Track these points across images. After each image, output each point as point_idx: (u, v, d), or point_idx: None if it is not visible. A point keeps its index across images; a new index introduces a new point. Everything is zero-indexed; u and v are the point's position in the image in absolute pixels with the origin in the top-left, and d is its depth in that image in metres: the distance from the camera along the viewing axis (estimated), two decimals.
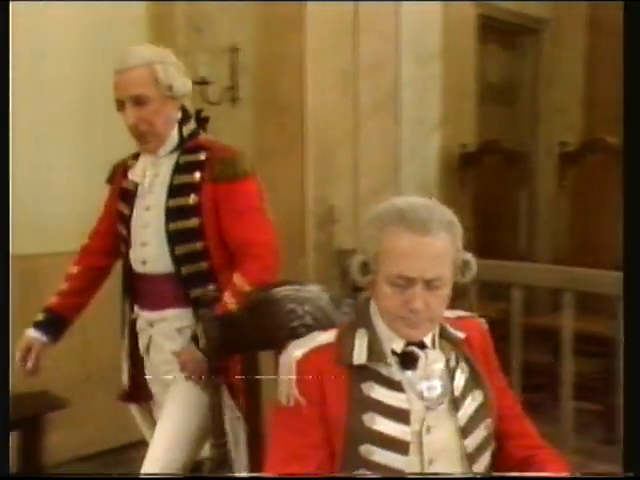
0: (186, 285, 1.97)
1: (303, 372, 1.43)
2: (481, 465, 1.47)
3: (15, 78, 2.20)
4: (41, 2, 3.06)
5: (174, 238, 1.95)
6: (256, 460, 1.71)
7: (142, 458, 2.01)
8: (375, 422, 1.40)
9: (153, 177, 2.01)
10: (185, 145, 2.01)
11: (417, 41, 3.94)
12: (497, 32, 4.97)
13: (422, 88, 4.00)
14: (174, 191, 1.97)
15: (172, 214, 1.95)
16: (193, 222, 1.95)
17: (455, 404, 1.45)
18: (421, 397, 1.43)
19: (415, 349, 1.44)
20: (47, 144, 3.17)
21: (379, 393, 1.42)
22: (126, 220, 2.05)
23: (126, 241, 2.06)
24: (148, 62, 1.93)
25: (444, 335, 1.50)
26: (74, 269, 2.17)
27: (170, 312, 2.00)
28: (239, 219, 1.96)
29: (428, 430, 1.43)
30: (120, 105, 1.96)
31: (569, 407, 3.03)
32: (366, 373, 1.43)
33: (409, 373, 1.44)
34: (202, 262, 1.97)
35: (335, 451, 1.41)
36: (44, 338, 2.10)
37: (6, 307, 1.73)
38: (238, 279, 1.93)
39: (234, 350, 1.82)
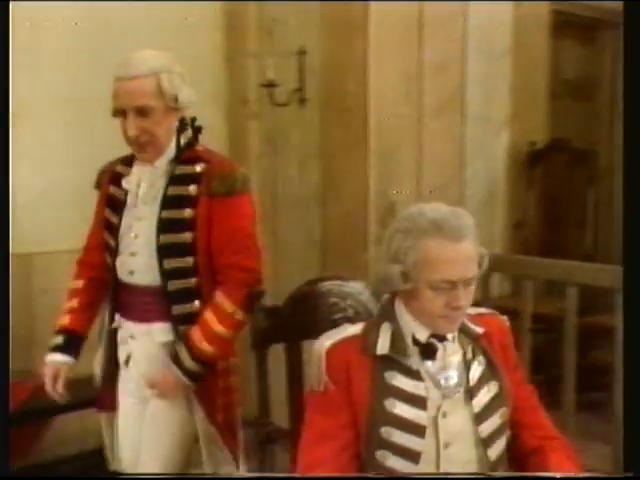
0: (171, 300, 1.93)
1: (331, 360, 1.57)
2: (495, 450, 1.60)
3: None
4: (125, 2, 3.29)
5: (164, 251, 1.91)
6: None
7: None
8: (395, 407, 1.55)
9: (148, 187, 1.96)
10: (182, 156, 1.96)
11: (485, 40, 3.98)
12: (573, 27, 4.91)
13: (490, 86, 4.04)
14: (168, 203, 1.92)
15: (164, 226, 1.91)
16: (186, 236, 1.91)
17: (471, 393, 1.58)
18: (438, 386, 1.57)
19: (435, 341, 1.56)
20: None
21: (399, 381, 1.56)
22: (114, 229, 2.00)
23: (112, 250, 2.02)
24: (154, 71, 1.86)
25: (463, 330, 1.63)
26: (78, 284, 2.12)
27: (155, 326, 1.97)
28: (232, 239, 1.93)
29: (444, 415, 1.56)
30: (119, 113, 1.90)
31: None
32: (388, 363, 1.58)
33: (428, 363, 1.58)
34: (190, 278, 1.93)
35: (360, 432, 1.55)
36: (68, 359, 2.08)
37: (6, 308, 1.73)
38: (222, 298, 1.94)
39: (279, 339, 1.98)
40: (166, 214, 1.91)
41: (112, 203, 2.02)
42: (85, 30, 3.26)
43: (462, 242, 1.51)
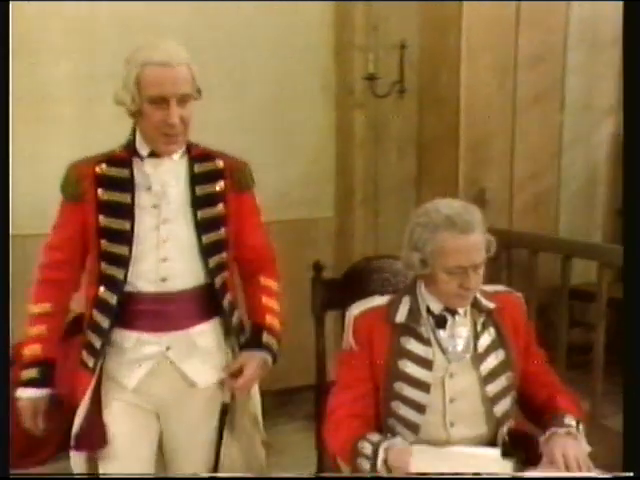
0: (219, 296, 1.92)
1: (358, 326, 1.92)
2: (501, 407, 1.88)
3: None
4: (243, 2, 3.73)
5: (209, 251, 1.88)
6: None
7: None
8: (407, 366, 1.87)
9: (169, 187, 1.87)
10: (192, 152, 1.92)
11: (589, 31, 4.05)
12: None
13: (592, 75, 4.11)
14: (201, 202, 1.87)
15: (204, 226, 1.86)
16: (222, 233, 1.90)
17: (479, 359, 1.87)
18: (446, 351, 1.87)
19: (446, 313, 1.87)
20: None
21: (412, 345, 1.88)
22: (122, 236, 1.84)
23: (122, 260, 1.84)
24: (186, 62, 1.82)
25: (476, 305, 1.91)
26: (45, 307, 1.90)
27: (194, 329, 1.91)
28: (257, 227, 2.01)
29: (451, 376, 1.87)
30: (158, 101, 1.77)
31: None
32: (405, 330, 1.89)
33: (439, 332, 1.89)
34: (225, 272, 1.94)
35: (378, 386, 1.89)
36: (46, 391, 1.90)
37: (6, 308, 1.73)
38: (268, 281, 2.06)
39: (335, 308, 2.33)
40: (202, 214, 1.86)
41: (109, 208, 1.84)
42: (198, 27, 3.73)
43: (472, 234, 1.78)
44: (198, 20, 3.71)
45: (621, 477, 1.54)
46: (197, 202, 1.87)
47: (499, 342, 1.91)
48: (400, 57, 3.90)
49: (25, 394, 1.89)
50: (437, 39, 3.79)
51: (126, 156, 1.89)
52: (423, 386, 1.85)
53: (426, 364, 1.86)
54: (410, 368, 1.86)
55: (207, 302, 1.91)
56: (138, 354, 1.89)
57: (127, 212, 1.84)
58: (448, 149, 3.79)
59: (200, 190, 1.88)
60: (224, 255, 1.91)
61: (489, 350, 1.89)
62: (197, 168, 1.89)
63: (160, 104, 1.77)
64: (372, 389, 1.89)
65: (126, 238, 1.84)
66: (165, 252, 1.85)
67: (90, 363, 1.89)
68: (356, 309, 1.96)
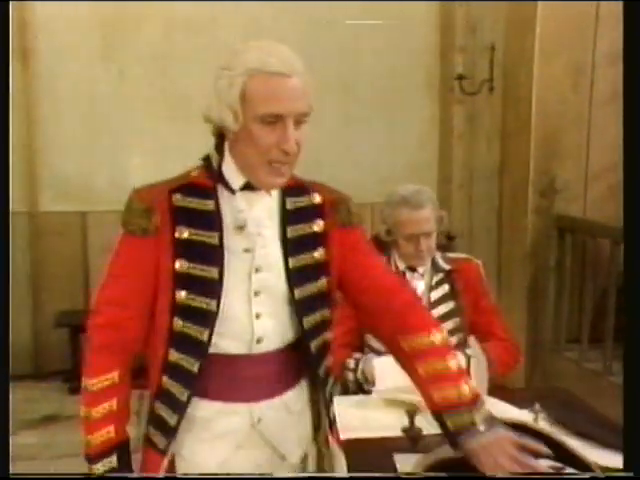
0: (314, 360, 1.56)
1: None
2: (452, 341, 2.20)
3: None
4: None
5: (303, 307, 1.52)
6: None
7: None
8: None
9: (264, 228, 1.52)
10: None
11: None
12: None
13: None
14: (294, 246, 1.52)
15: (299, 276, 1.51)
16: (321, 283, 1.54)
17: (431, 306, 2.38)
18: None
19: (407, 270, 2.42)
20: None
21: None
22: (208, 287, 1.47)
23: (207, 316, 1.47)
24: (301, 72, 1.44)
25: (434, 265, 2.45)
26: (114, 377, 1.50)
27: (286, 395, 1.57)
28: (377, 270, 1.63)
29: None
30: (272, 120, 1.40)
31: None
32: None
33: None
34: (327, 332, 1.58)
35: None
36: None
37: (6, 310, 1.59)
38: (423, 337, 1.56)
39: None
40: (295, 261, 1.51)
41: (191, 250, 1.47)
42: (310, 34, 4.52)
43: (421, 209, 2.33)
44: (310, 27, 4.56)
45: (621, 477, 1.51)
46: (289, 246, 1.51)
47: (451, 296, 2.42)
48: (490, 57, 4.35)
49: None
50: (517, 39, 4.17)
51: (209, 184, 1.50)
52: None
53: None
54: None
55: (299, 364, 1.57)
56: (221, 428, 1.52)
57: (214, 256, 1.46)
58: (522, 142, 4.17)
59: (293, 232, 1.52)
60: (326, 312, 1.55)
61: (440, 301, 2.41)
62: (290, 204, 1.53)
63: (273, 124, 1.40)
64: (355, 325, 2.25)
65: (213, 289, 1.46)
66: (259, 307, 1.50)
67: (161, 444, 1.52)
68: None
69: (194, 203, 1.48)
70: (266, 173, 1.44)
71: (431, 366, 1.50)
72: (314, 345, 1.53)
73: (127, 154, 4.35)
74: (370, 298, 1.59)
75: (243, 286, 1.49)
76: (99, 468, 1.48)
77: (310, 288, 1.52)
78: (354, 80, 4.68)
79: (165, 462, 1.52)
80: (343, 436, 1.65)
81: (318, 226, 1.54)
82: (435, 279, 2.45)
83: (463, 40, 4.54)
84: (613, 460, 1.69)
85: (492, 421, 1.47)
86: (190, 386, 1.48)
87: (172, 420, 1.50)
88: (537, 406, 1.88)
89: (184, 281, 1.45)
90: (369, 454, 1.79)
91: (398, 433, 1.88)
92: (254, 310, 1.49)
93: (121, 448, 1.50)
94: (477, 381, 2.06)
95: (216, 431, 1.53)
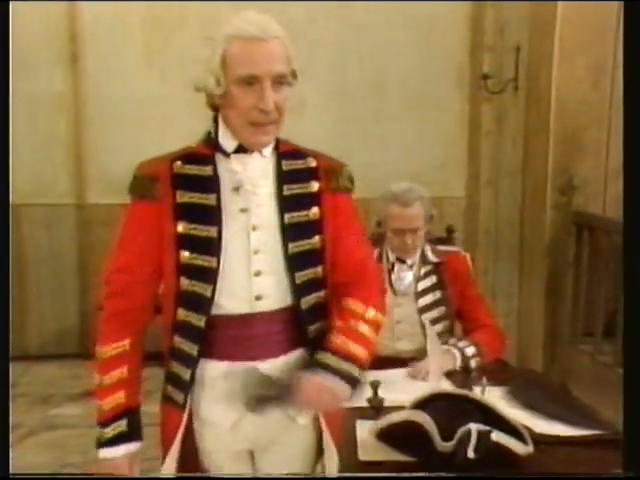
0: (305, 322, 1.59)
1: None
2: (435, 330, 2.44)
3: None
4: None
5: (295, 263, 1.56)
6: None
7: None
8: None
9: (260, 187, 1.57)
10: (280, 148, 1.62)
11: None
12: None
13: None
14: (289, 204, 1.57)
15: (293, 233, 1.56)
16: (315, 241, 1.58)
17: (418, 296, 2.60)
18: (392, 287, 2.61)
19: (396, 262, 2.62)
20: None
21: None
22: (207, 245, 1.54)
23: (207, 273, 1.54)
24: (280, 35, 1.52)
25: (423, 257, 2.64)
26: (124, 345, 1.59)
27: (291, 355, 1.61)
28: (354, 239, 1.67)
29: (398, 305, 2.58)
30: (249, 81, 1.48)
31: None
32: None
33: (392, 274, 2.62)
34: (321, 291, 1.61)
35: None
36: (138, 444, 1.62)
37: (5, 311, 1.60)
38: (357, 305, 1.62)
39: None
40: (290, 218, 1.56)
41: (190, 213, 1.55)
42: (343, 33, 4.73)
43: (409, 207, 2.54)
44: (344, 28, 4.79)
45: (621, 477, 1.53)
46: (284, 204, 1.56)
47: (438, 286, 2.61)
48: (516, 57, 4.48)
49: (119, 452, 1.58)
50: (539, 39, 4.29)
51: (207, 152, 1.58)
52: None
53: None
54: None
55: (298, 327, 1.60)
56: (231, 388, 1.56)
57: (213, 217, 1.54)
58: (542, 140, 4.28)
59: (288, 190, 1.57)
60: (319, 270, 1.59)
61: (427, 291, 2.61)
62: (286, 166, 1.59)
63: (251, 86, 1.48)
64: None
65: (213, 248, 1.53)
66: (257, 265, 1.55)
67: (179, 398, 1.60)
68: None
69: (193, 170, 1.57)
70: (251, 133, 1.52)
71: (350, 324, 1.59)
72: (305, 303, 1.57)
73: (168, 150, 4.65)
74: (338, 258, 1.63)
75: (242, 245, 1.55)
76: (109, 432, 1.58)
77: (303, 245, 1.57)
78: (385, 78, 4.87)
79: (185, 417, 1.60)
80: None
81: (313, 187, 1.60)
82: (423, 270, 2.63)
83: (491, 40, 4.68)
84: (555, 429, 1.87)
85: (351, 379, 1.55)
86: (198, 341, 1.55)
87: (186, 375, 1.58)
88: (484, 380, 2.06)
89: (186, 242, 1.54)
90: None
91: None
92: (253, 268, 1.55)
93: (131, 414, 1.58)
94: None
95: (227, 391, 1.56)
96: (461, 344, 2.47)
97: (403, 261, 2.62)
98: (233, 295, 1.55)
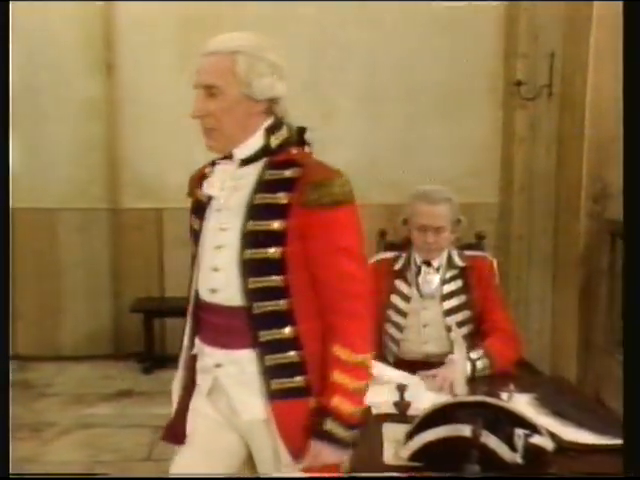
0: (257, 325, 1.64)
1: (374, 270, 2.54)
2: (460, 332, 2.48)
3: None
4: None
5: (249, 269, 1.63)
6: None
7: None
8: (393, 298, 2.65)
9: (232, 191, 1.68)
10: (273, 158, 1.68)
11: None
12: None
13: None
14: (255, 212, 1.63)
15: (250, 240, 1.62)
16: (271, 251, 1.62)
17: (443, 299, 2.62)
18: (420, 291, 2.63)
19: (422, 265, 2.63)
20: None
21: (400, 285, 2.65)
22: (196, 237, 1.75)
23: (192, 259, 1.77)
24: (232, 51, 1.63)
25: (449, 261, 2.65)
26: None
27: (241, 353, 1.67)
28: (333, 260, 1.63)
29: (425, 308, 2.62)
30: (194, 88, 1.68)
31: None
32: (399, 274, 2.66)
33: (419, 278, 2.65)
34: (280, 300, 1.64)
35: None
36: None
37: (5, 311, 1.71)
38: (341, 351, 1.62)
39: None
40: (252, 225, 1.63)
41: (197, 209, 1.77)
42: (375, 39, 4.75)
43: (435, 205, 2.55)
44: (375, 32, 4.81)
45: (621, 477, 1.54)
46: (251, 211, 1.64)
47: (463, 290, 2.61)
48: (550, 64, 4.44)
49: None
50: (574, 46, 4.25)
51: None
52: (402, 313, 2.63)
53: (405, 298, 2.64)
54: (396, 300, 2.65)
55: (251, 328, 1.66)
56: (202, 365, 1.76)
57: (203, 212, 1.73)
58: (576, 148, 4.23)
59: (259, 199, 1.64)
60: (277, 279, 1.63)
61: (452, 294, 2.61)
62: (267, 175, 1.66)
63: (197, 94, 1.67)
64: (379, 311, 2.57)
65: (197, 239, 1.74)
66: (217, 260, 1.67)
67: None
68: (372, 259, 2.70)
69: (209, 170, 1.77)
70: (205, 138, 1.69)
71: (340, 377, 1.61)
72: (257, 308, 1.63)
73: (200, 155, 4.70)
74: (317, 281, 1.65)
75: (212, 240, 1.69)
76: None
77: (259, 253, 1.62)
78: (417, 84, 4.88)
79: (182, 375, 1.83)
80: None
81: (282, 198, 1.62)
82: (449, 274, 2.63)
83: (525, 46, 4.65)
84: (584, 437, 1.86)
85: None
86: (191, 321, 1.78)
87: (185, 338, 1.80)
88: (511, 386, 2.04)
89: (191, 234, 1.78)
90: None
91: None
92: (213, 263, 1.68)
93: None
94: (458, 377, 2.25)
95: (200, 367, 1.76)
96: (473, 355, 2.42)
97: (429, 263, 2.62)
98: (201, 284, 1.72)
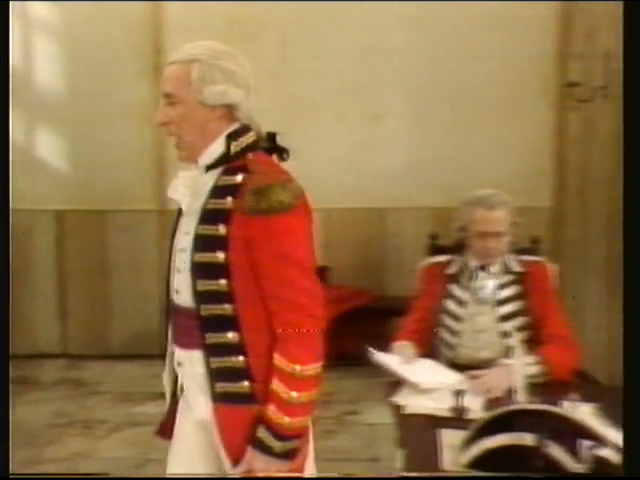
0: (203, 327, 1.66)
1: (423, 273, 2.72)
2: (514, 338, 2.35)
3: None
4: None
5: (197, 271, 1.65)
6: None
7: None
8: (447, 303, 2.62)
9: (194, 196, 1.71)
10: (230, 163, 1.68)
11: None
12: None
13: None
14: (206, 216, 1.66)
15: (199, 243, 1.65)
16: (216, 255, 1.63)
17: (499, 304, 2.57)
18: (475, 295, 2.60)
19: (478, 270, 2.60)
20: None
21: (455, 289, 2.63)
22: (172, 240, 1.78)
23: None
24: (190, 59, 1.66)
25: (505, 266, 2.61)
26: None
27: (194, 353, 1.70)
28: (273, 268, 1.62)
29: (480, 314, 2.57)
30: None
31: None
32: (453, 279, 2.64)
33: (475, 283, 2.61)
34: (225, 304, 1.64)
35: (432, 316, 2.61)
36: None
37: (5, 312, 1.73)
38: (279, 360, 1.62)
39: None
40: (202, 229, 1.65)
41: (177, 212, 1.80)
42: (418, 42, 4.71)
43: (494, 210, 2.52)
44: (424, 35, 4.77)
45: (621, 477, 1.55)
46: (203, 216, 1.67)
47: (520, 296, 2.57)
48: (605, 65, 4.33)
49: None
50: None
51: None
52: (457, 318, 2.60)
53: (460, 303, 2.61)
54: (450, 305, 2.62)
55: (199, 329, 1.70)
56: (175, 361, 1.80)
57: (179, 216, 1.78)
58: None
59: (211, 204, 1.66)
60: (222, 283, 1.63)
61: (508, 300, 2.57)
62: (221, 181, 1.68)
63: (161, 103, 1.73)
64: (426, 314, 2.65)
65: (171, 241, 1.78)
66: (178, 263, 1.71)
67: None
68: (424, 262, 2.76)
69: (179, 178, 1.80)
70: (177, 150, 1.75)
71: (277, 386, 1.61)
72: (204, 310, 1.64)
73: None
74: (266, 298, 1.63)
75: (177, 243, 1.73)
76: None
77: (206, 256, 1.63)
78: (468, 85, 4.80)
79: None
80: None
81: (227, 204, 1.63)
82: (505, 279, 2.58)
83: (580, 46, 4.54)
84: None
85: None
86: (166, 321, 1.81)
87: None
88: (574, 395, 1.98)
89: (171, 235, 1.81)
90: (417, 428, 2.00)
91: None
92: (177, 264, 1.71)
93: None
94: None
95: (174, 362, 1.78)
96: (530, 361, 2.34)
97: (485, 268, 2.57)
98: (170, 285, 1.75)
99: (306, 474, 1.72)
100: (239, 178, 1.64)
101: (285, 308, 1.61)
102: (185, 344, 1.72)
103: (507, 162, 4.81)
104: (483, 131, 4.83)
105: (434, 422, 1.95)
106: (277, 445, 1.59)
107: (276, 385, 1.60)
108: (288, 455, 1.61)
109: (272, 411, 1.60)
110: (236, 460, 1.64)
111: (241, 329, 1.63)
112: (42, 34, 4.88)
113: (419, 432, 1.91)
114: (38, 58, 4.87)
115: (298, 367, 1.59)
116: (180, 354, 1.74)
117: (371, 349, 2.44)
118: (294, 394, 1.59)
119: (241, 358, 1.63)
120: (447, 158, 4.84)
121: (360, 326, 4.51)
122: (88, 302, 4.91)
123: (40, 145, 4.96)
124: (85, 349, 4.86)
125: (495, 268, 2.58)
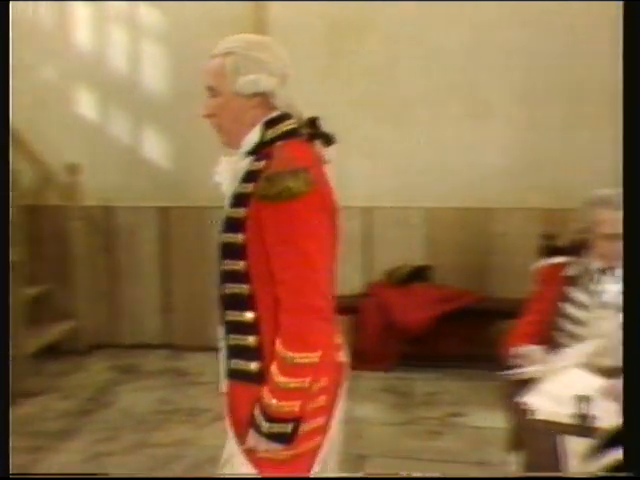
0: (225, 305, 1.73)
1: (540, 273, 2.67)
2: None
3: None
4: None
5: (223, 251, 1.72)
6: None
7: None
8: (567, 307, 2.55)
9: (232, 181, 1.76)
10: (260, 150, 1.73)
11: None
12: None
13: None
14: (233, 199, 1.72)
15: (226, 225, 1.72)
16: (238, 237, 1.67)
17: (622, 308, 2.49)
18: (598, 298, 2.52)
19: (599, 272, 2.52)
20: None
21: (574, 292, 2.56)
22: None
23: None
24: (225, 52, 1.73)
25: None
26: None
27: (221, 329, 1.79)
28: (277, 253, 1.64)
29: (600, 319, 2.48)
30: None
31: None
32: (572, 281, 2.57)
33: (597, 285, 2.53)
34: (243, 284, 1.68)
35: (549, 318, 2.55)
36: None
37: (5, 313, 1.82)
38: (277, 343, 1.63)
39: None
40: (229, 212, 1.72)
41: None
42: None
43: (619, 210, 2.44)
44: (532, 32, 4.65)
45: (621, 477, 1.55)
46: (231, 200, 1.73)
47: None
48: None
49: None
50: None
51: None
52: (579, 322, 2.52)
53: (583, 307, 2.53)
54: (570, 309, 2.55)
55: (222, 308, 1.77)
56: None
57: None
58: None
59: (238, 188, 1.72)
60: (240, 264, 1.68)
61: None
62: (251, 167, 1.72)
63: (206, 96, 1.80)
64: (542, 317, 2.59)
65: None
66: (222, 249, 1.75)
67: None
68: (541, 263, 2.72)
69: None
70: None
71: (273, 368, 1.62)
72: (227, 289, 1.71)
73: (350, 158, 4.69)
74: (275, 282, 1.64)
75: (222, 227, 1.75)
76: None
77: (229, 237, 1.69)
78: (579, 83, 4.66)
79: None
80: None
81: (249, 188, 1.67)
82: None
83: None
84: None
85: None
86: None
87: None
88: None
89: None
90: (538, 433, 1.96)
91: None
92: (221, 251, 1.73)
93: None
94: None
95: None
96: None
97: (609, 271, 2.49)
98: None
99: (316, 468, 1.70)
100: (262, 164, 1.69)
101: (285, 293, 1.62)
102: (219, 322, 1.77)
103: (618, 162, 4.64)
104: (595, 129, 4.63)
105: (557, 428, 1.90)
106: (265, 426, 1.62)
107: (272, 367, 1.62)
108: (277, 438, 1.61)
109: (265, 391, 1.62)
110: (241, 438, 1.68)
111: (257, 309, 1.67)
112: (148, 39, 5.07)
113: (540, 437, 1.88)
114: (144, 62, 5.05)
115: (290, 354, 1.60)
116: (218, 330, 1.79)
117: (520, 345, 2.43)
118: (282, 379, 1.60)
119: (254, 338, 1.67)
120: (558, 158, 4.69)
121: (463, 327, 4.46)
122: (190, 296, 5.05)
123: (145, 145, 5.14)
124: (187, 341, 5.00)
125: (620, 271, 2.46)
